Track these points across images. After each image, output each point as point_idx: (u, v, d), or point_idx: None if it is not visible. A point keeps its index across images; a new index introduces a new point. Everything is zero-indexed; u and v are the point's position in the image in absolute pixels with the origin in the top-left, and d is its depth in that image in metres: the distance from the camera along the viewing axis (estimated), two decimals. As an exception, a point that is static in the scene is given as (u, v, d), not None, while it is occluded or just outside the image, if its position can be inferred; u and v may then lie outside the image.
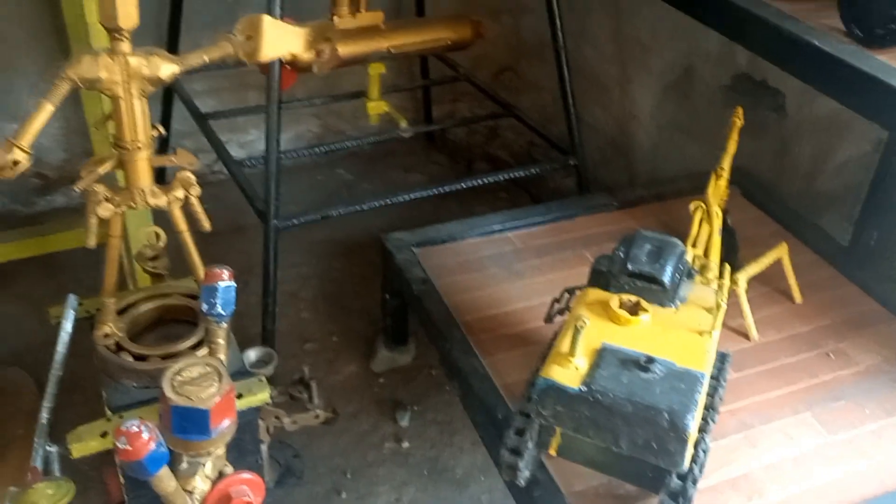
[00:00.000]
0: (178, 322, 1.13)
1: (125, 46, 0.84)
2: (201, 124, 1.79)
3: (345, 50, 1.66)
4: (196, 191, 0.96)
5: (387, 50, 1.72)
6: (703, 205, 1.20)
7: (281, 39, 1.01)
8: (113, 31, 0.83)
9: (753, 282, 1.33)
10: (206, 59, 0.91)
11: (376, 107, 1.83)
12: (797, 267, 1.41)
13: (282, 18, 1.41)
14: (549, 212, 1.62)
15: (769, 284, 1.41)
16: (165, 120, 2.06)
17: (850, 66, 0.87)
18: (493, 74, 2.48)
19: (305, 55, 1.44)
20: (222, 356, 0.95)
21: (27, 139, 0.82)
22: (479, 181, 1.68)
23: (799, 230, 1.58)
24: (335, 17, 1.67)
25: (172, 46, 1.90)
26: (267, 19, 0.98)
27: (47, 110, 0.83)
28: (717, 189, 1.22)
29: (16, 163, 0.81)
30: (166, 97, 2.02)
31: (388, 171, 2.28)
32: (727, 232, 1.40)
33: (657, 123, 2.01)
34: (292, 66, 1.55)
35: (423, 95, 2.33)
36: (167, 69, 0.87)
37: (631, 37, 2.01)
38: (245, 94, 2.16)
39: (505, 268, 1.48)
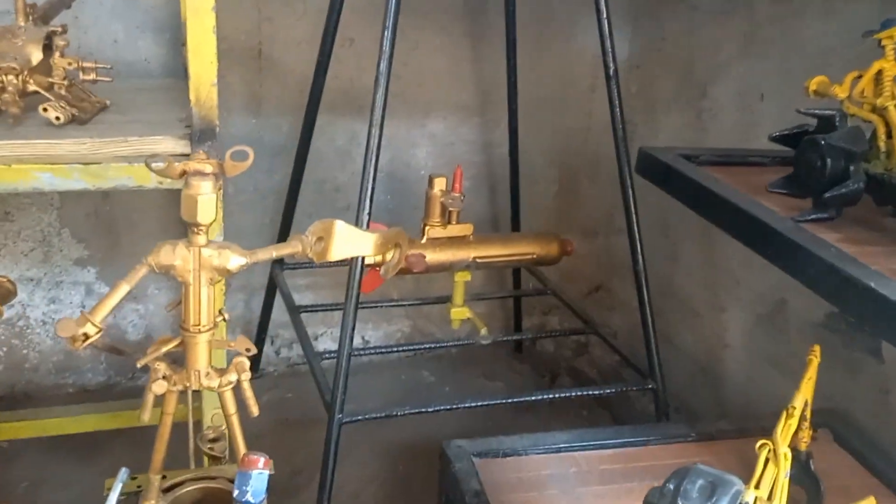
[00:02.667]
0: (219, 507, 1.14)
1: (201, 239, 0.93)
2: (293, 316, 1.89)
3: (431, 257, 1.76)
4: (247, 376, 1.00)
5: (472, 260, 1.80)
6: (769, 444, 1.13)
7: (351, 243, 1.08)
8: (192, 226, 0.92)
9: (838, 538, 1.21)
10: (274, 254, 0.99)
11: (459, 313, 1.88)
12: (893, 526, 1.28)
13: (369, 224, 1.52)
14: (621, 435, 1.56)
15: (858, 543, 1.27)
16: (267, 309, 2.19)
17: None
18: (586, 291, 2.51)
19: (375, 258, 1.53)
20: (248, 546, 0.94)
21: (100, 314, 0.90)
22: (547, 396, 1.66)
23: (899, 485, 1.44)
24: (427, 227, 1.78)
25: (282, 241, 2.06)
26: (339, 224, 1.06)
27: (123, 290, 0.91)
28: (788, 429, 1.16)
29: (86, 336, 0.88)
30: (270, 288, 2.16)
31: (470, 377, 2.29)
32: (810, 479, 1.30)
33: (750, 354, 1.95)
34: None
35: (514, 305, 2.38)
36: (235, 261, 0.95)
37: (722, 266, 2.01)
38: (342, 291, 2.27)
39: (566, 491, 1.41)
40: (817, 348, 1.24)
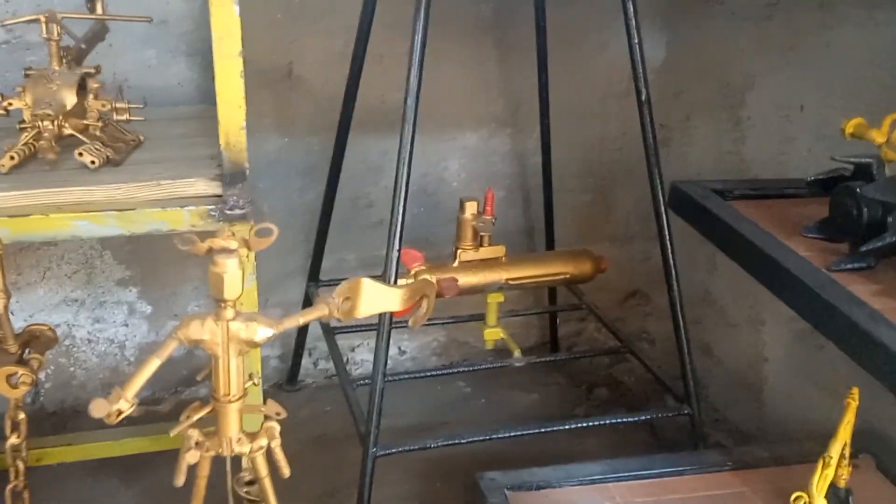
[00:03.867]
0: (255, 552, 1.17)
1: (228, 314, 0.94)
2: (328, 338, 1.91)
3: (464, 281, 1.75)
4: (277, 442, 1.02)
5: (505, 281, 1.79)
6: (804, 497, 1.11)
7: (378, 299, 1.08)
8: (219, 301, 0.93)
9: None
10: (301, 321, 1.00)
11: (492, 333, 1.88)
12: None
13: (400, 251, 1.52)
14: (654, 465, 1.55)
15: (897, 585, 1.25)
16: (302, 330, 2.21)
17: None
18: (621, 298, 2.48)
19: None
20: None
21: (132, 390, 0.92)
22: (580, 424, 1.66)
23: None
24: (459, 251, 1.78)
25: (316, 262, 2.08)
26: (366, 283, 1.06)
27: (154, 364, 0.93)
28: (824, 480, 1.14)
29: (120, 412, 0.90)
30: (305, 305, 2.18)
31: (505, 389, 2.29)
32: (849, 515, 1.28)
33: (789, 369, 1.91)
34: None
35: (549, 317, 2.37)
36: (263, 334, 0.96)
37: (761, 278, 1.97)
38: (377, 304, 2.29)
39: (600, 524, 1.42)
40: (856, 391, 1.21)
